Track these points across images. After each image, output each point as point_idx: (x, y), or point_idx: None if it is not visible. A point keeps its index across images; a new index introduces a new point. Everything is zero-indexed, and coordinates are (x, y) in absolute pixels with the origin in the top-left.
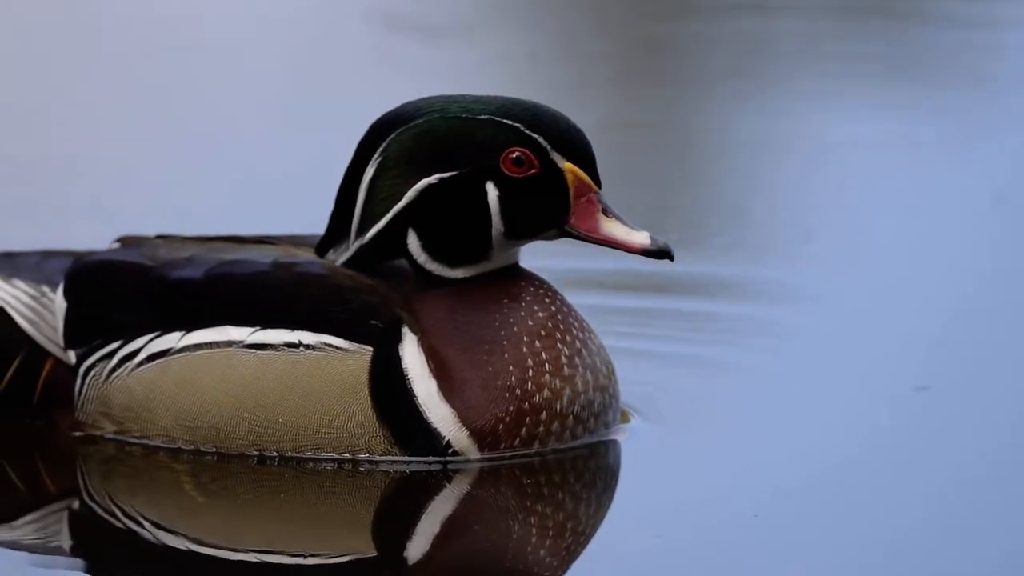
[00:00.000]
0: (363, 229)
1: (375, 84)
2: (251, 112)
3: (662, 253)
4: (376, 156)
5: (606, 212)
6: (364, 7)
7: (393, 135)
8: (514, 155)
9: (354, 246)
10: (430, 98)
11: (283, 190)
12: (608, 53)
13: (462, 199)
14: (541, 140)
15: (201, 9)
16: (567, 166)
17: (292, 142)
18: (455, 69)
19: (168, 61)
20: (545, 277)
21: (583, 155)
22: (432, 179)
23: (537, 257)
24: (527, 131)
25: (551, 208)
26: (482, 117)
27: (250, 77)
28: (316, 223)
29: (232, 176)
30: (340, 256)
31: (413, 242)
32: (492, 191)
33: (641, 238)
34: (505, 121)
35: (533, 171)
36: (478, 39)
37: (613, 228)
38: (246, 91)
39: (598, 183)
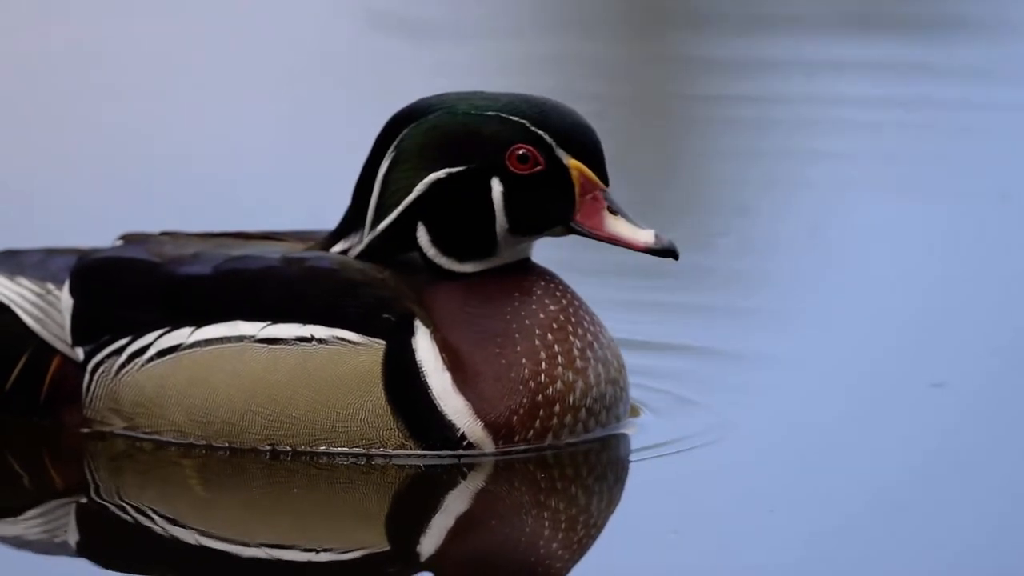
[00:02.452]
0: (377, 222)
1: (364, 83)
2: (238, 111)
3: (667, 252)
4: (391, 150)
5: (612, 209)
6: (351, 5)
7: (406, 130)
8: (519, 152)
9: (367, 238)
10: (443, 94)
11: (269, 187)
12: (602, 48)
13: (468, 194)
14: (546, 137)
15: (185, 7)
16: (572, 163)
17: (278, 141)
18: (443, 68)
19: (153, 60)
20: (555, 270)
21: (590, 152)
22: (440, 174)
23: (548, 249)
24: (533, 128)
25: (556, 205)
26: (489, 113)
27: (237, 76)
28: (305, 219)
29: (219, 174)
30: (354, 248)
31: (423, 236)
32: (497, 187)
33: (646, 236)
34: (511, 117)
35: (538, 168)
36: (466, 37)
37: (618, 226)
38: (233, 90)
39: (605, 180)
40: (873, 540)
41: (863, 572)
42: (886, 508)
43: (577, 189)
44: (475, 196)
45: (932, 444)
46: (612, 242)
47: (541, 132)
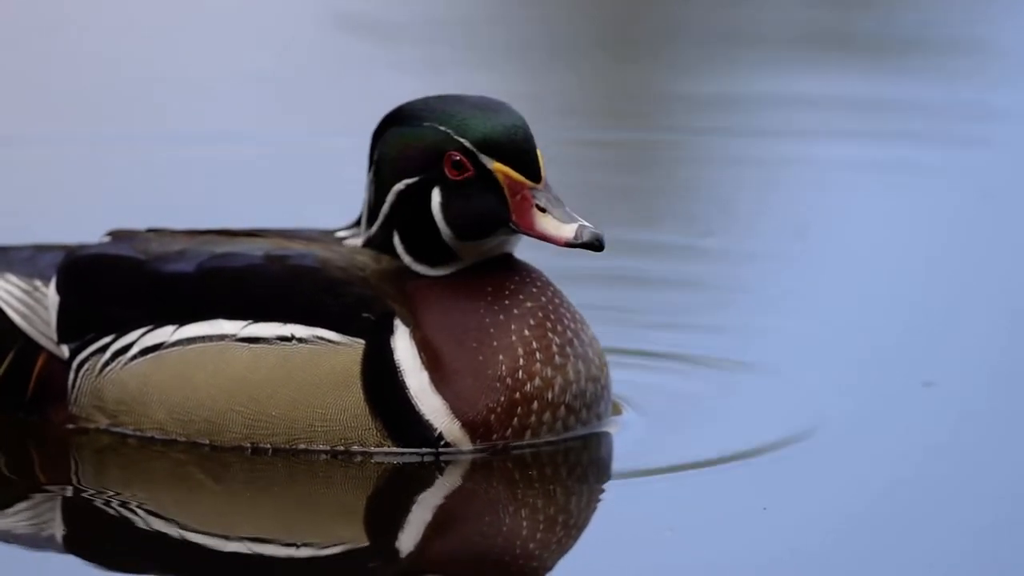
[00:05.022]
0: (369, 224)
1: (331, 83)
2: (206, 110)
3: (589, 245)
4: (376, 156)
5: (540, 207)
6: (316, 7)
7: (384, 135)
8: (454, 159)
9: (362, 238)
10: (415, 100)
11: (238, 185)
12: (570, 49)
13: (416, 204)
14: (467, 143)
15: (151, 12)
16: (496, 166)
17: (247, 139)
18: (412, 69)
19: (125, 63)
20: (542, 270)
21: (512, 152)
22: (400, 185)
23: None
24: (455, 136)
25: (492, 209)
26: (426, 124)
27: (205, 75)
28: (274, 219)
29: (188, 176)
30: (361, 239)
31: (398, 243)
32: (436, 197)
33: (567, 232)
34: (439, 127)
35: (468, 174)
36: (435, 37)
37: (545, 223)
38: (201, 89)
39: (535, 177)
40: (865, 537)
41: (855, 569)
42: (878, 506)
43: (506, 191)
44: (421, 206)
45: (923, 443)
46: (543, 239)
47: (462, 139)
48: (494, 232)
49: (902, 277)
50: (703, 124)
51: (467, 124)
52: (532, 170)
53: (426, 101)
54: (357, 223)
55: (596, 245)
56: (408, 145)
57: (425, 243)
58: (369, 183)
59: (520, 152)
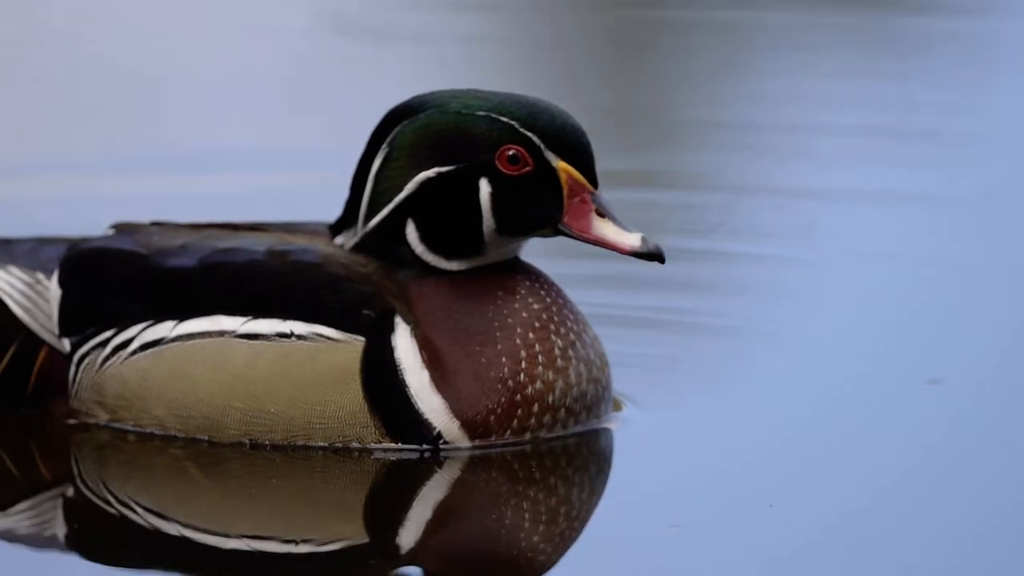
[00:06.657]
0: (369, 217)
1: (330, 86)
2: (204, 113)
3: (653, 255)
4: (383, 147)
5: (600, 212)
6: (313, 9)
7: (399, 127)
8: (509, 152)
9: (360, 233)
10: (437, 92)
11: (236, 185)
12: (570, 48)
13: (456, 194)
14: (535, 138)
15: (152, 15)
16: (561, 165)
17: (247, 142)
18: (409, 71)
19: (123, 62)
20: (545, 272)
21: (579, 154)
22: (430, 172)
23: (537, 254)
24: (522, 129)
25: (544, 206)
26: (480, 113)
27: (202, 80)
28: (280, 214)
29: (193, 176)
30: (348, 241)
31: (412, 233)
32: (485, 187)
33: (632, 239)
34: (501, 118)
35: (527, 169)
36: (432, 40)
37: (605, 228)
38: (198, 93)
39: (594, 183)
40: (870, 535)
41: (860, 566)
42: (883, 504)
43: (565, 191)
44: (464, 196)
45: (928, 441)
46: (599, 244)
47: (530, 134)
48: (538, 230)
49: (910, 273)
50: (710, 118)
51: (536, 119)
52: (593, 175)
53: (453, 93)
54: (339, 225)
55: (660, 256)
56: (442, 134)
57: (452, 233)
58: (373, 175)
59: (586, 155)
